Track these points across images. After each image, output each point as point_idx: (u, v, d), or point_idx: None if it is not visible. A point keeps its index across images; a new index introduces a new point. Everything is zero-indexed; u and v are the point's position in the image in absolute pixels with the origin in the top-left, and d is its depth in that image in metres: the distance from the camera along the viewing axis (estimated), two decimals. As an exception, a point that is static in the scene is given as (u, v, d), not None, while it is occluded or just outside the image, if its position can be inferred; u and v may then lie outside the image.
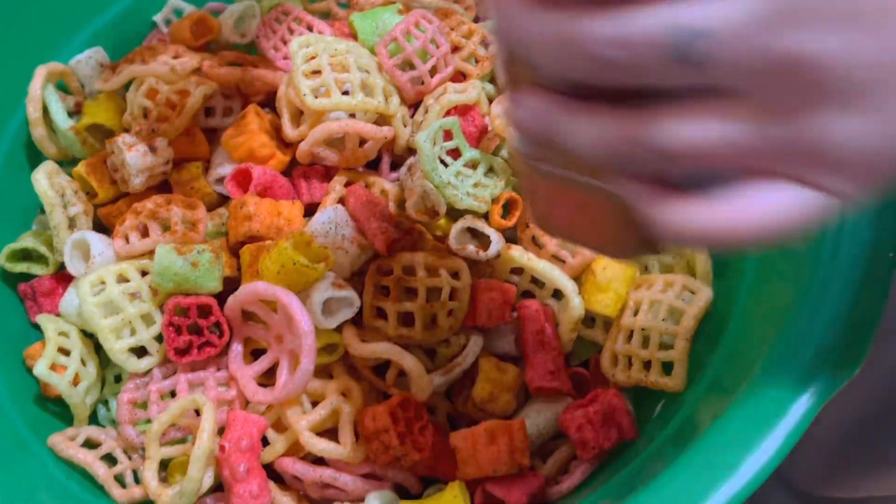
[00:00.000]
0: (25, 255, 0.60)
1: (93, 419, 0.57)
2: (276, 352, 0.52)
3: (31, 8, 0.63)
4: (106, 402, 0.57)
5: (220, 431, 0.51)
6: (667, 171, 0.26)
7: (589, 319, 0.56)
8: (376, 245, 0.53)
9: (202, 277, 0.52)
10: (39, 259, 0.60)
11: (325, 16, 0.70)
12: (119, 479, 0.52)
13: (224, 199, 0.61)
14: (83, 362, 0.55)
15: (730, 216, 0.25)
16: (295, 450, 0.52)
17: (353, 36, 0.64)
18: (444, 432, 0.52)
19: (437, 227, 0.56)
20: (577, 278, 0.55)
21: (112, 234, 0.56)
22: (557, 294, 0.55)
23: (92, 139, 0.61)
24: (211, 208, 0.60)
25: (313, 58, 0.55)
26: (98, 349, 0.56)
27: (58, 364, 0.53)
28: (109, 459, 0.53)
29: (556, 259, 0.55)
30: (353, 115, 0.57)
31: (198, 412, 0.51)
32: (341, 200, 0.57)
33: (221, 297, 0.53)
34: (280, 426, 0.52)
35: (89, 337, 0.56)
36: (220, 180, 0.60)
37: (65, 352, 0.54)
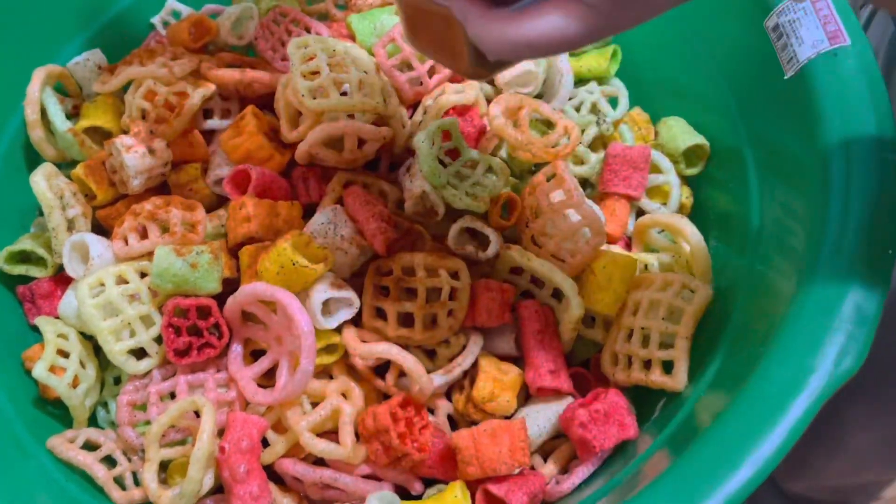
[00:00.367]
0: (24, 257, 0.60)
1: (92, 421, 0.57)
2: (276, 353, 0.52)
3: (30, 10, 0.63)
4: (105, 404, 0.57)
5: (220, 433, 0.50)
6: None
7: (589, 319, 0.56)
8: (375, 245, 0.53)
9: (201, 279, 0.52)
10: (38, 261, 0.59)
11: (323, 17, 0.70)
12: (119, 481, 0.52)
13: (223, 201, 0.61)
14: (82, 364, 0.55)
15: (527, 30, 0.33)
16: (295, 451, 0.52)
17: (352, 37, 0.64)
18: (444, 433, 0.52)
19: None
20: (577, 278, 0.54)
21: (111, 235, 0.56)
22: (557, 294, 0.55)
23: (90, 141, 0.61)
24: (210, 210, 0.60)
25: (311, 58, 0.55)
26: (97, 351, 0.56)
27: (57, 366, 0.53)
28: (109, 461, 0.53)
29: (556, 258, 0.55)
30: (351, 116, 0.57)
31: (197, 413, 0.51)
32: (340, 201, 0.57)
33: (221, 299, 0.53)
34: (280, 427, 0.52)
35: (89, 339, 0.56)
36: (219, 182, 0.59)
37: (64, 354, 0.54)
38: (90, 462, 0.51)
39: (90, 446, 0.53)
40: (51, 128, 0.62)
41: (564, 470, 0.52)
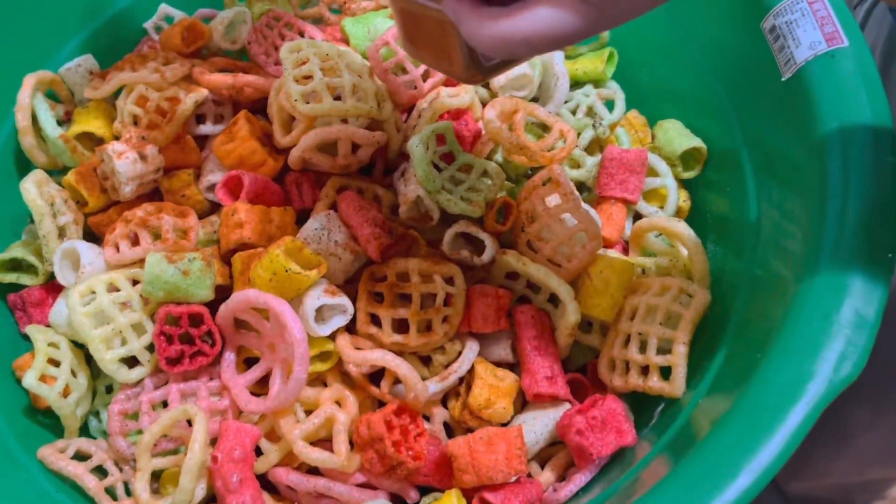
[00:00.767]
0: (15, 265, 0.59)
1: (84, 431, 0.56)
2: (269, 360, 0.52)
3: (21, 16, 0.63)
4: (97, 414, 0.56)
5: (213, 442, 0.50)
6: None
7: (586, 324, 0.56)
8: (369, 251, 0.53)
9: (193, 286, 0.52)
10: (29, 269, 0.59)
11: (317, 21, 0.69)
12: (110, 492, 0.51)
13: (216, 207, 0.60)
14: (73, 373, 0.54)
15: (521, 25, 0.33)
16: (289, 460, 0.51)
17: (345, 41, 0.63)
18: (440, 440, 0.52)
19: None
20: (574, 283, 0.54)
21: (102, 243, 0.56)
22: (553, 299, 0.55)
23: (82, 147, 0.60)
24: (202, 216, 0.59)
25: (304, 63, 0.55)
26: (89, 360, 0.56)
27: (48, 375, 0.52)
28: (100, 471, 0.52)
29: (552, 263, 0.54)
30: (345, 120, 0.56)
31: (190, 422, 0.50)
32: (334, 206, 0.56)
33: (213, 306, 0.53)
34: (273, 436, 0.52)
35: (80, 347, 0.56)
36: (212, 188, 0.59)
37: (55, 363, 0.54)
38: (81, 472, 0.51)
39: (81, 456, 0.53)
40: (42, 134, 0.61)
41: (562, 477, 0.52)
